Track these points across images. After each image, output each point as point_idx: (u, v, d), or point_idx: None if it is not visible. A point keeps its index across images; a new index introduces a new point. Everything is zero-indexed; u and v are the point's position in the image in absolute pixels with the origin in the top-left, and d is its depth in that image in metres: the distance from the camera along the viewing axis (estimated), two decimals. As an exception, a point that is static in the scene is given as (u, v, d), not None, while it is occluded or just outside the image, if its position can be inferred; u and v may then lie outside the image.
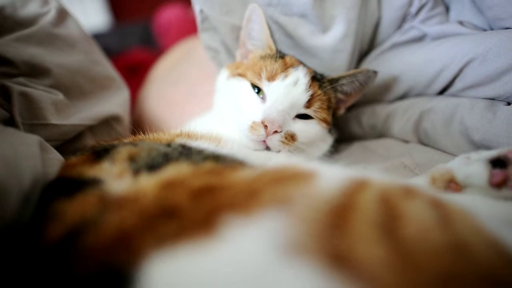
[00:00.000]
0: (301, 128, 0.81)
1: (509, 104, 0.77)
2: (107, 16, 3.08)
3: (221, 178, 0.49)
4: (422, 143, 0.89)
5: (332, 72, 0.96)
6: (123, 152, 0.59)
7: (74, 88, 0.96)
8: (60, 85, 0.93)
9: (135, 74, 1.88)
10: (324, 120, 0.85)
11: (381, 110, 0.99)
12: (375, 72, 0.89)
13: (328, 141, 0.91)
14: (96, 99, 1.00)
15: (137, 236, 0.40)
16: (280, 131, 0.77)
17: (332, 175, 0.51)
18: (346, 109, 0.97)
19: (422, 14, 0.96)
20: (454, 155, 0.79)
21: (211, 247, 0.37)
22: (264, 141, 0.78)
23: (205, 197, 0.44)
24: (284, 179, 0.47)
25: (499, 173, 0.60)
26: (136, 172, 0.52)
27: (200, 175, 0.50)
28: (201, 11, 0.96)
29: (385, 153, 0.88)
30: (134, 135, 0.97)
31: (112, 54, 2.04)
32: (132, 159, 0.57)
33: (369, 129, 1.01)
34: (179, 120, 1.09)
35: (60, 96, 0.90)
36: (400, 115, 0.93)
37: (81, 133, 0.93)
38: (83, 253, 0.41)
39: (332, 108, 0.90)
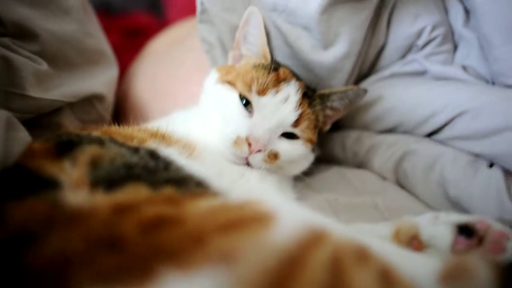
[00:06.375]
0: (285, 147, 0.80)
1: (491, 165, 0.75)
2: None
3: (177, 210, 0.48)
4: (399, 183, 0.89)
5: (327, 90, 0.93)
6: (87, 152, 0.57)
7: (61, 59, 0.92)
8: (46, 53, 0.88)
9: (134, 39, 1.82)
10: (309, 140, 0.83)
11: (366, 139, 0.97)
12: (365, 91, 0.88)
13: (309, 159, 0.89)
14: (82, 73, 0.96)
15: (75, 265, 0.39)
16: (264, 150, 0.76)
17: (292, 220, 0.50)
18: (331, 124, 0.96)
19: (428, 49, 0.93)
20: (427, 204, 0.79)
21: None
22: (246, 158, 0.77)
23: (153, 233, 0.43)
24: (238, 224, 0.46)
25: (463, 242, 0.60)
26: (94, 184, 0.51)
27: (156, 203, 0.48)
28: (202, 2, 0.92)
29: (360, 186, 0.87)
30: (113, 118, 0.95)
31: (114, 12, 1.97)
32: (94, 163, 0.55)
33: (351, 155, 1.00)
34: (163, 107, 1.06)
35: (44, 66, 0.86)
36: (384, 150, 0.92)
37: (59, 108, 0.90)
38: (20, 263, 0.40)
39: (318, 127, 0.88)
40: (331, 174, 0.95)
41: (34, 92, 0.82)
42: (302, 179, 0.89)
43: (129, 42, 1.79)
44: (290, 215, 0.53)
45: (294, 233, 0.47)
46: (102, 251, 0.40)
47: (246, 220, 0.47)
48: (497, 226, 0.60)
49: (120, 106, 1.18)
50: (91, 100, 0.96)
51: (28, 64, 0.82)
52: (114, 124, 0.78)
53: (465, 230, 0.61)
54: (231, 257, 0.40)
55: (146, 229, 0.43)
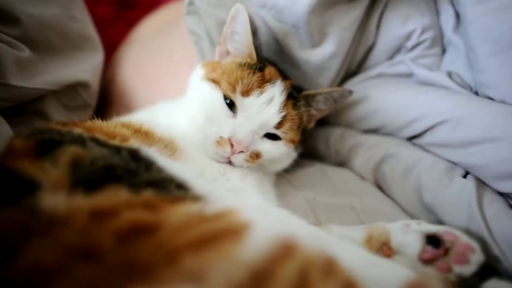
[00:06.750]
0: (267, 148, 0.81)
1: (466, 175, 0.77)
2: None
3: (154, 216, 0.49)
4: (378, 185, 0.91)
5: (312, 87, 0.94)
6: (68, 153, 0.57)
7: (44, 44, 0.90)
8: (28, 38, 0.86)
9: (126, 11, 1.76)
10: (292, 141, 0.84)
11: (349, 138, 0.98)
12: (350, 92, 0.88)
13: (292, 157, 0.91)
14: (66, 59, 0.94)
15: (51, 278, 0.40)
16: (247, 151, 0.77)
17: (264, 232, 0.51)
18: (316, 122, 0.97)
19: (417, 51, 0.93)
20: (403, 208, 0.82)
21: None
22: (228, 157, 0.78)
23: (128, 244, 0.44)
24: (212, 238, 0.47)
25: (430, 251, 0.63)
26: (74, 186, 0.51)
27: (134, 207, 0.49)
28: None
29: (339, 185, 0.89)
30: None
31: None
32: (75, 164, 0.56)
33: (334, 153, 1.01)
34: (150, 96, 1.06)
35: (25, 52, 0.85)
36: (364, 151, 0.94)
37: (43, 95, 0.89)
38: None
39: (302, 126, 0.89)
40: (313, 171, 0.97)
41: (16, 80, 0.80)
42: (284, 175, 0.91)
43: (120, 14, 1.73)
44: (264, 225, 0.53)
45: (266, 245, 0.48)
46: (78, 262, 0.42)
47: (220, 233, 0.48)
48: (464, 239, 0.63)
49: (106, 92, 1.17)
50: (75, 88, 0.95)
51: (9, 51, 0.80)
52: (97, 114, 0.79)
53: (433, 240, 0.63)
54: (201, 275, 0.41)
55: (121, 238, 0.44)
